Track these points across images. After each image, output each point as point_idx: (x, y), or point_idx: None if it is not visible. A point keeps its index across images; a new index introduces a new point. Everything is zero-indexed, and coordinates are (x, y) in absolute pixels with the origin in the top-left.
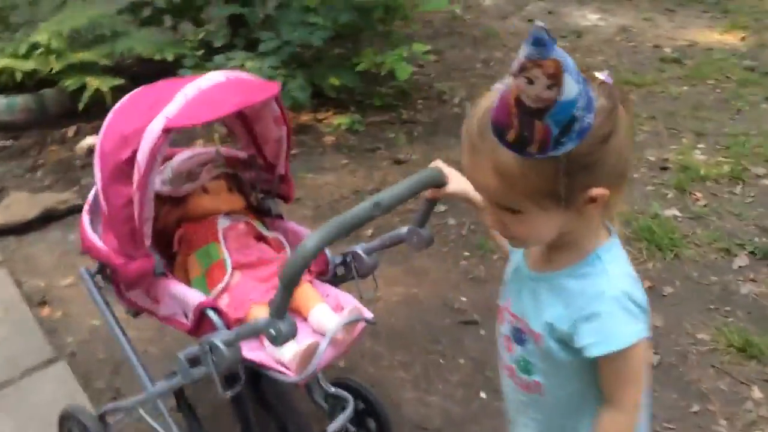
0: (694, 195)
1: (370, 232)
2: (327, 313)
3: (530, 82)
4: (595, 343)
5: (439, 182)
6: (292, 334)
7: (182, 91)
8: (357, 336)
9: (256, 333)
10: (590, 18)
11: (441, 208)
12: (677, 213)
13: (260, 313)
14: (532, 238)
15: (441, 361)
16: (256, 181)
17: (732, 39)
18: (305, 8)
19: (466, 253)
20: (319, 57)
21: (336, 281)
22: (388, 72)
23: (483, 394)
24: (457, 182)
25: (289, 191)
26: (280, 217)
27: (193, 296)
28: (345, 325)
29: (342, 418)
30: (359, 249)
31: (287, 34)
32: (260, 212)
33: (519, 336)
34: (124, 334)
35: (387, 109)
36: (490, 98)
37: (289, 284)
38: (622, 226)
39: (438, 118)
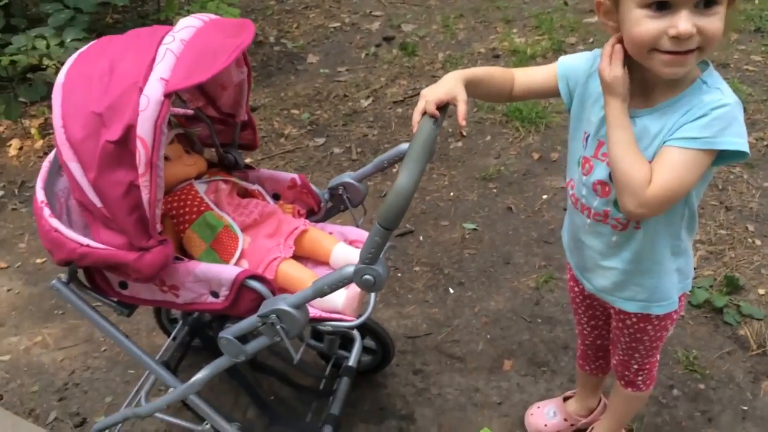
0: None
1: None
2: (348, 251)
3: None
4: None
5: (436, 130)
6: (387, 275)
7: (164, 46)
8: None
9: (342, 285)
10: None
11: (319, 140)
12: None
13: (290, 269)
14: (714, 42)
15: (399, 274)
16: (209, 136)
17: None
18: None
19: None
20: (122, 19)
21: (324, 218)
22: None
23: (451, 290)
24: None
25: (253, 138)
26: (249, 167)
27: (228, 271)
28: None
29: (356, 350)
30: (349, 178)
31: (76, 0)
32: (226, 167)
33: None
34: (126, 336)
35: None
36: None
37: (392, 226)
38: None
39: (265, 60)
